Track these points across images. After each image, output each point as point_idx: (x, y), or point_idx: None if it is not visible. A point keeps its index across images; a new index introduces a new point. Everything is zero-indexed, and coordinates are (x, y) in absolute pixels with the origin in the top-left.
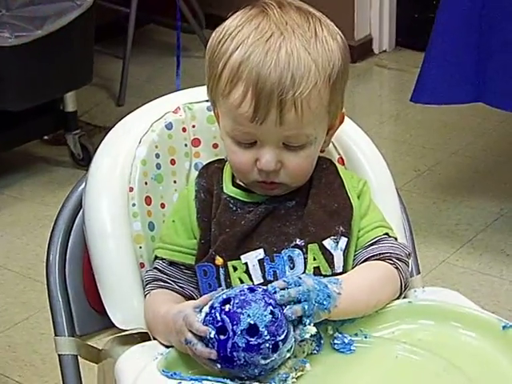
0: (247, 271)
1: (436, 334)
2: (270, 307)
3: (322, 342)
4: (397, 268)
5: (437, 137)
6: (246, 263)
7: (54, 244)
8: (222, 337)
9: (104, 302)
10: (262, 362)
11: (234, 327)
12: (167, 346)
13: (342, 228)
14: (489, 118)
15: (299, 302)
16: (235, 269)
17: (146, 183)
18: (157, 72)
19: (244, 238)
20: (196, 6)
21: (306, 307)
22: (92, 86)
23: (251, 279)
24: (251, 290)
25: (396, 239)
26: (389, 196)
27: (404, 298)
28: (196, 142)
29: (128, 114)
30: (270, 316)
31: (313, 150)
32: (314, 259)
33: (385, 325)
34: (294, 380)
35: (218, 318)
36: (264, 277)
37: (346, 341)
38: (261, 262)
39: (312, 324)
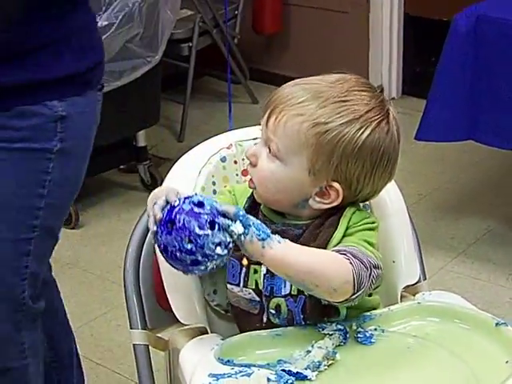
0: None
1: (440, 329)
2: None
3: (348, 335)
4: (348, 260)
5: (435, 167)
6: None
7: (130, 254)
8: (174, 205)
9: (170, 301)
10: (196, 230)
11: (186, 200)
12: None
13: None
14: (477, 152)
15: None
16: (255, 272)
17: None
18: (210, 115)
19: None
20: (241, 62)
21: (244, 219)
22: (158, 126)
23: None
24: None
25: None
26: (403, 217)
27: (413, 300)
28: (245, 173)
29: (189, 149)
30: (218, 205)
31: (279, 170)
32: None
33: (398, 321)
34: (326, 367)
35: (179, 197)
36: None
37: (368, 334)
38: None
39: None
